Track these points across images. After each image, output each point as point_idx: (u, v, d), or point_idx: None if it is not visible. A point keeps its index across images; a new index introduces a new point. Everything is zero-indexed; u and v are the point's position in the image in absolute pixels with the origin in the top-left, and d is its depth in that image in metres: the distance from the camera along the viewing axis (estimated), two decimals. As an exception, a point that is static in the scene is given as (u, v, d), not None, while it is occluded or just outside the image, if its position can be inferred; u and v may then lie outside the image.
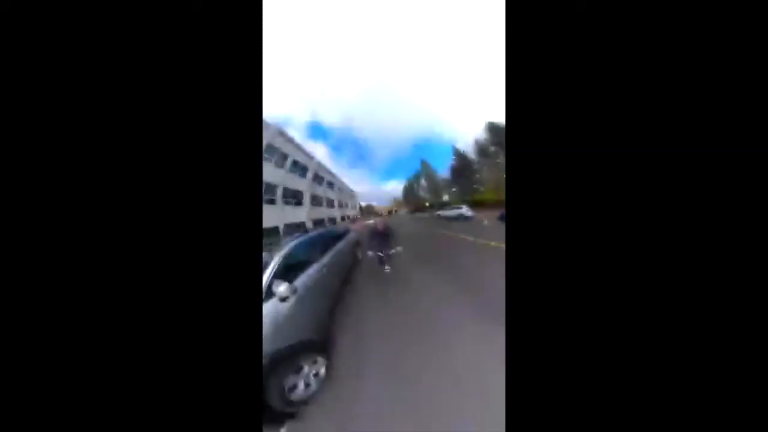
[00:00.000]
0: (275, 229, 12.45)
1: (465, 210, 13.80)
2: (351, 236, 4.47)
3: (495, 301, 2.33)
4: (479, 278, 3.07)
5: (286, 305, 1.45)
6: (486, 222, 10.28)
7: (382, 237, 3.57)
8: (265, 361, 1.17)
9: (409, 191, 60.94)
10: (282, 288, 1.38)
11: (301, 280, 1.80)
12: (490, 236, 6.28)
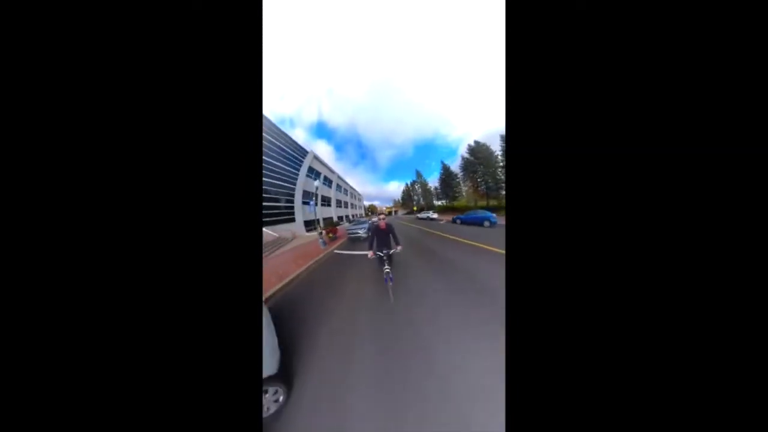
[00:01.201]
0: (316, 221, 20.13)
1: (431, 213, 22.91)
2: (369, 222, 12.10)
3: (410, 236, 9.81)
4: (410, 234, 10.54)
5: (365, 225, 9.94)
6: (442, 222, 17.76)
7: (383, 235, 3.56)
8: (366, 233, 9.17)
9: (407, 195, 69.05)
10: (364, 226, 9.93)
11: (364, 226, 9.95)
12: (435, 228, 13.49)
